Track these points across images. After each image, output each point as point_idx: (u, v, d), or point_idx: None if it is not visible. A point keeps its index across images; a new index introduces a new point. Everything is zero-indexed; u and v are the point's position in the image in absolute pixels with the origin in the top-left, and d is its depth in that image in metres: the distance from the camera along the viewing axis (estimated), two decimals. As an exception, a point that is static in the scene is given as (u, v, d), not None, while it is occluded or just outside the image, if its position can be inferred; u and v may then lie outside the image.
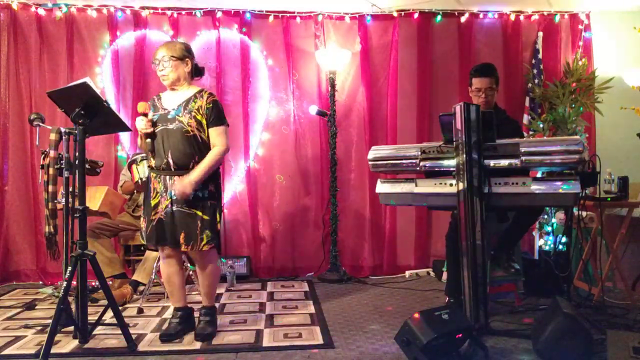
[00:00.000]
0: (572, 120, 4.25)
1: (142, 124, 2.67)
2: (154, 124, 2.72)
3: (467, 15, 4.52)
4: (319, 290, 3.92)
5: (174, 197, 2.67)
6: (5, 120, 4.24)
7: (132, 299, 3.60)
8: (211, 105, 2.73)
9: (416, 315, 2.32)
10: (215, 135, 2.74)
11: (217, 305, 3.50)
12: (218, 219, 2.77)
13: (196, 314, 2.97)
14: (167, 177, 2.70)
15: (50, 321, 2.46)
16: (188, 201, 2.67)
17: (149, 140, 2.69)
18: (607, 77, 4.36)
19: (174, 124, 2.69)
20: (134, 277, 3.63)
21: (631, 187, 3.42)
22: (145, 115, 2.69)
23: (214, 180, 2.78)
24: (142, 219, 2.83)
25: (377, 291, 3.93)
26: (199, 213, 2.69)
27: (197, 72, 2.89)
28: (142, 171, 3.31)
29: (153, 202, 2.74)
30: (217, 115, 2.74)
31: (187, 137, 2.67)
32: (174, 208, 2.68)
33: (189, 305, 2.98)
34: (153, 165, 2.76)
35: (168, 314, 3.19)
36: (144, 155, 3.35)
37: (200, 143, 2.71)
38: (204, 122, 2.71)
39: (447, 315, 2.36)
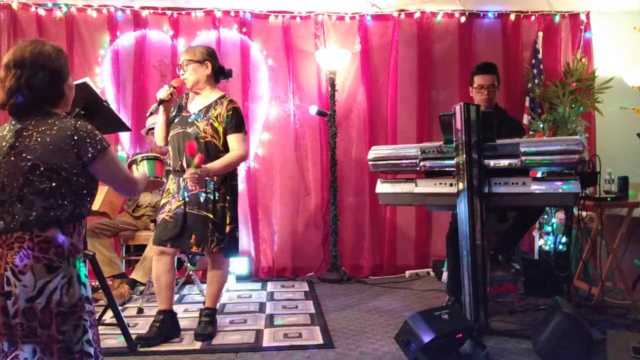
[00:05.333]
0: (572, 120, 4.25)
1: (163, 91, 2.72)
2: (174, 124, 2.79)
3: (467, 15, 4.52)
4: (319, 290, 3.92)
5: (187, 199, 2.71)
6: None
7: (131, 298, 3.60)
8: (231, 112, 2.76)
9: (416, 315, 2.32)
10: (235, 142, 2.76)
11: (217, 306, 3.51)
12: (228, 221, 2.78)
13: (197, 314, 2.98)
14: (181, 179, 2.74)
15: (50, 321, 2.46)
16: (199, 203, 2.71)
17: (158, 105, 2.73)
18: (607, 77, 4.35)
19: (191, 128, 2.74)
20: (132, 276, 3.63)
21: (631, 187, 3.42)
22: (175, 88, 2.74)
23: (226, 183, 2.79)
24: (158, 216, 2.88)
25: (377, 291, 3.93)
26: (210, 215, 2.72)
27: (222, 74, 2.91)
28: (142, 171, 3.30)
29: (162, 201, 2.81)
30: (236, 122, 2.77)
31: (202, 143, 2.71)
32: (187, 210, 2.71)
33: (174, 311, 2.94)
34: (170, 167, 2.81)
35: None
36: (144, 155, 3.35)
37: (214, 149, 2.74)
38: (220, 129, 2.75)
39: (447, 315, 2.36)
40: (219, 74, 2.88)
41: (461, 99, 4.26)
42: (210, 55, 2.83)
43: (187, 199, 2.72)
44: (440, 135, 2.78)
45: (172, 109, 2.86)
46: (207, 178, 2.67)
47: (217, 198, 2.73)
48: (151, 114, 2.75)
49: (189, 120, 2.76)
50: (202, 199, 2.72)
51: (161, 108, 2.76)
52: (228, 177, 2.81)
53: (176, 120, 2.80)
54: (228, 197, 2.79)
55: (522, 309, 3.33)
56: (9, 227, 1.49)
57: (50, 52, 1.62)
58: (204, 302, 3.00)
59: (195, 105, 2.83)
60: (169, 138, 2.81)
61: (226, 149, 2.78)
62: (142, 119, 4.04)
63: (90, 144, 1.59)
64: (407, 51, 4.51)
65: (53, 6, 4.24)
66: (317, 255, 4.48)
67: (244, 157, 2.80)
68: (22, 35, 4.25)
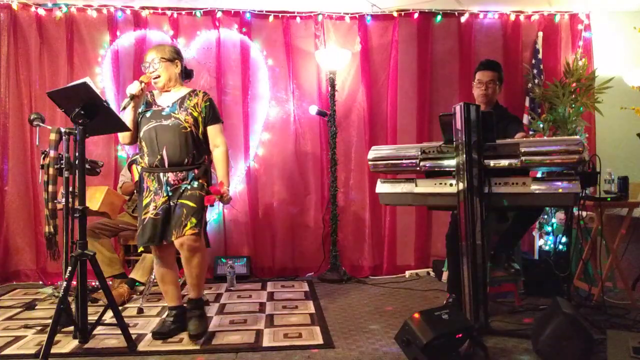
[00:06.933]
0: (572, 120, 4.25)
1: (134, 87, 2.72)
2: (147, 119, 2.77)
3: (467, 15, 4.52)
4: (319, 290, 3.92)
5: (170, 194, 2.72)
6: (5, 120, 4.24)
7: (131, 299, 3.60)
8: (208, 103, 2.82)
9: (416, 315, 2.32)
10: (215, 133, 2.83)
11: (215, 302, 3.51)
12: (205, 209, 2.80)
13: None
14: (161, 174, 2.73)
15: (50, 321, 2.46)
16: (180, 194, 2.73)
17: (130, 100, 2.72)
18: (607, 77, 4.35)
19: (169, 120, 2.74)
20: (131, 275, 3.63)
21: (631, 187, 3.42)
22: (145, 84, 2.74)
23: (206, 174, 2.84)
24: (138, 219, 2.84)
25: (377, 291, 3.93)
26: (184, 201, 2.72)
27: (186, 74, 2.94)
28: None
29: (145, 201, 2.77)
30: (214, 113, 2.84)
31: (184, 134, 2.72)
32: (170, 203, 2.73)
33: (184, 304, 2.99)
34: (146, 164, 2.77)
35: (168, 314, 3.19)
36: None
37: (195, 139, 2.77)
38: (200, 119, 2.79)
39: (447, 315, 2.36)
40: (185, 74, 2.93)
41: (461, 99, 4.26)
42: (178, 54, 2.89)
43: (170, 194, 2.73)
44: (440, 135, 2.78)
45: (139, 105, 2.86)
46: (195, 172, 2.77)
47: (195, 186, 2.75)
48: (124, 108, 2.74)
49: (164, 113, 2.76)
50: (182, 190, 2.74)
51: (130, 105, 2.75)
52: (208, 170, 2.85)
53: (148, 115, 2.78)
54: (205, 185, 2.81)
55: (522, 309, 3.33)
56: None
57: None
58: (189, 300, 2.87)
59: (165, 100, 2.83)
60: (142, 134, 2.77)
61: (204, 138, 2.82)
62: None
63: None
64: (407, 51, 4.52)
65: (53, 6, 4.24)
66: (317, 255, 4.48)
67: (227, 149, 2.87)
68: (22, 35, 4.25)
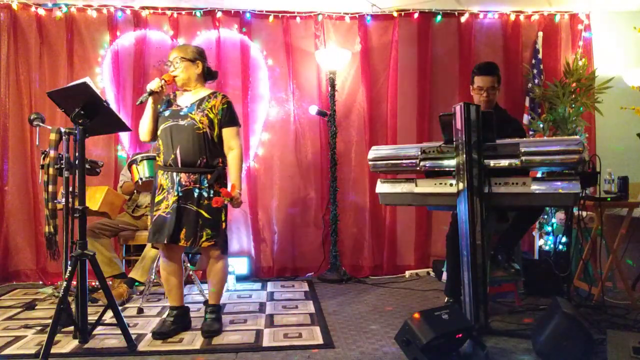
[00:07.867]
0: (572, 120, 4.25)
1: (154, 83, 2.74)
2: (165, 117, 2.79)
3: (467, 15, 4.52)
4: (319, 290, 3.92)
5: (181, 194, 2.73)
6: (5, 120, 4.24)
7: (131, 298, 3.60)
8: (226, 105, 2.83)
9: (416, 315, 2.32)
10: (232, 136, 2.83)
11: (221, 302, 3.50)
12: (223, 218, 2.80)
13: (196, 314, 2.98)
14: (174, 174, 2.74)
15: (50, 321, 2.46)
16: (193, 198, 2.73)
17: (148, 95, 2.74)
18: (607, 77, 4.35)
19: (185, 120, 2.75)
20: (131, 275, 3.62)
21: (631, 187, 3.42)
22: (166, 82, 2.76)
23: (219, 181, 2.82)
24: (149, 216, 2.86)
25: (377, 291, 3.93)
26: (201, 211, 2.73)
27: (210, 75, 2.95)
28: (142, 171, 3.32)
29: (158, 198, 2.79)
30: (231, 116, 2.84)
31: (198, 135, 2.74)
32: (181, 204, 2.73)
33: (185, 305, 3.01)
34: (161, 162, 2.80)
35: (168, 314, 3.19)
36: (144, 155, 3.36)
37: (209, 141, 2.78)
38: (215, 120, 2.79)
39: (447, 315, 2.36)
40: (207, 74, 2.92)
41: (461, 99, 4.27)
42: (201, 55, 2.89)
43: (181, 194, 2.73)
44: (440, 135, 2.78)
45: (160, 105, 2.87)
46: (203, 175, 2.76)
47: (211, 195, 2.75)
48: (141, 102, 2.76)
49: (181, 113, 2.78)
50: (195, 195, 2.74)
51: (150, 101, 2.77)
52: (222, 175, 2.84)
53: (167, 114, 2.80)
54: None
55: (522, 309, 3.33)
56: None
57: None
58: (205, 302, 3.02)
59: (185, 100, 2.85)
60: (159, 132, 2.80)
61: (220, 141, 2.82)
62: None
63: None
64: (407, 51, 4.52)
65: (53, 6, 4.24)
66: (317, 255, 4.48)
67: (242, 153, 2.88)
68: (22, 35, 4.25)
